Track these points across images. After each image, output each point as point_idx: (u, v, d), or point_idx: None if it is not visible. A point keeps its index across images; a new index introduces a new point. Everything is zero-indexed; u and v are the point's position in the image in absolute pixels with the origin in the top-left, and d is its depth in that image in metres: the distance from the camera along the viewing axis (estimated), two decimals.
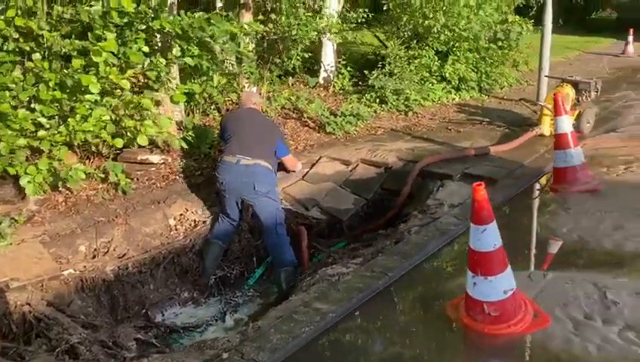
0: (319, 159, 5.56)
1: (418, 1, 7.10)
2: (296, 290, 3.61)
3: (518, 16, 9.01)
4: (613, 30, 14.77)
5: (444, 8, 7.26)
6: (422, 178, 5.17)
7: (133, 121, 4.42)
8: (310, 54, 6.89)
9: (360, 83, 7.92)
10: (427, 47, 7.72)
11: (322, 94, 7.79)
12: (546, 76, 6.66)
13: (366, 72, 7.61)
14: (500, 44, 8.61)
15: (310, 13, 6.23)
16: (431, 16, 7.26)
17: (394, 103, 7.20)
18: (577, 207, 4.33)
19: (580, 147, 4.74)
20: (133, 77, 4.50)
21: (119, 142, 4.40)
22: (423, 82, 7.69)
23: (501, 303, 2.76)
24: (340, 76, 7.82)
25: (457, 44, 7.91)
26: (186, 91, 5.07)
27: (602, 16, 18.11)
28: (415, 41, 7.86)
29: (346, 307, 3.02)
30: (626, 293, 3.05)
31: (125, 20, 4.41)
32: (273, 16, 5.86)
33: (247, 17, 5.94)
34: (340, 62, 8.02)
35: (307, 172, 5.42)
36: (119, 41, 4.32)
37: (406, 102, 7.21)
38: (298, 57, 6.14)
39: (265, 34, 5.99)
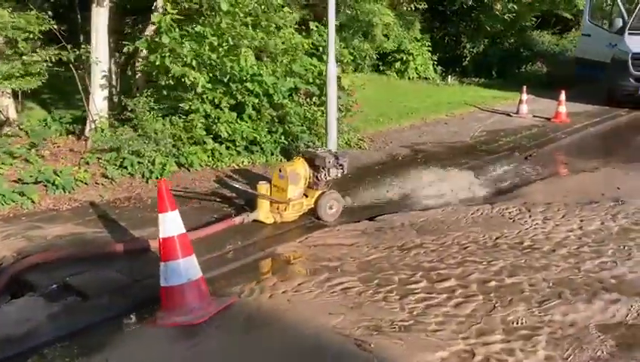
0: None
1: (144, 45, 5.79)
2: None
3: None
4: (541, 85, 13.52)
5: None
6: (18, 285, 3.77)
7: None
8: None
9: None
10: (195, 100, 6.39)
11: (77, 149, 6.48)
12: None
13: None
14: (314, 99, 7.36)
15: None
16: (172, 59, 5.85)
17: (135, 167, 5.85)
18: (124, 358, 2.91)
19: (193, 256, 3.37)
20: None
21: None
22: (192, 143, 6.35)
23: None
24: (98, 129, 6.49)
25: (244, 99, 6.62)
26: None
27: (533, 69, 16.92)
28: (193, 92, 6.54)
29: None
30: None
31: None
32: None
33: None
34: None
35: None
36: None
37: (151, 167, 5.86)
38: None
39: None
